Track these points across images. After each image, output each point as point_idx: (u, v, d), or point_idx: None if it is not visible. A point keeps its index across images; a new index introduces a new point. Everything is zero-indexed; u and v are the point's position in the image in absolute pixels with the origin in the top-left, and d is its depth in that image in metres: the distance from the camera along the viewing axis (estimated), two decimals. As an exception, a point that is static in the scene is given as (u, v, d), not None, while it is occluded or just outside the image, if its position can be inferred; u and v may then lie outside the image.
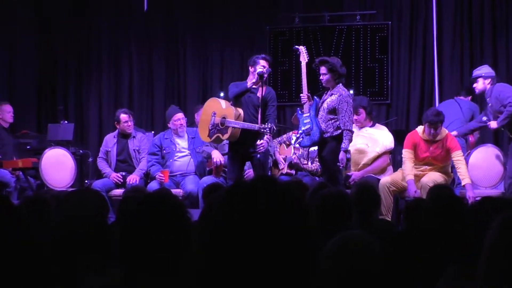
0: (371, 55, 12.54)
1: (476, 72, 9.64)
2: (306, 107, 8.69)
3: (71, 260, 3.38)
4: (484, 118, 9.57)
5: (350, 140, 8.56)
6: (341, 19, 12.88)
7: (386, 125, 10.47)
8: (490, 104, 9.44)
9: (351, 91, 12.03)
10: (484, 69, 9.64)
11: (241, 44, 13.17)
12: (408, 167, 8.99)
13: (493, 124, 9.30)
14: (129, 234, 2.66)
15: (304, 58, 8.86)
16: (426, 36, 12.35)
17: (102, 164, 10.34)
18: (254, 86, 8.76)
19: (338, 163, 8.45)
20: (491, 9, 12.07)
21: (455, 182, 9.77)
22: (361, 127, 9.48)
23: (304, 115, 8.67)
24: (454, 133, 9.50)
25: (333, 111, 8.53)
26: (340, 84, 8.67)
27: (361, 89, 12.37)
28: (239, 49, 13.13)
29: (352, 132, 8.57)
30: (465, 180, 8.84)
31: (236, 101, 8.83)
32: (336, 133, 8.50)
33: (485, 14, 12.09)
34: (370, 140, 9.38)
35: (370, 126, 9.54)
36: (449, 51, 12.23)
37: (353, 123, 8.84)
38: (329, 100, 8.58)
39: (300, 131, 8.72)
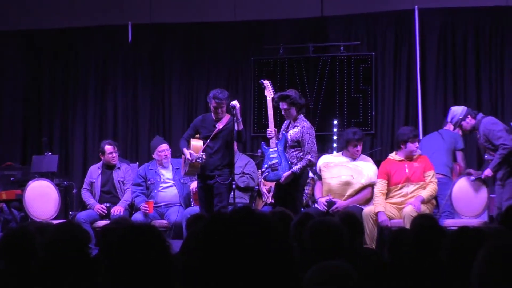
0: (355, 85, 12.58)
1: (453, 120, 9.65)
2: (272, 141, 8.81)
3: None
4: (472, 178, 9.57)
5: (303, 167, 8.72)
6: (325, 50, 12.94)
7: (371, 155, 10.50)
8: (478, 136, 9.48)
9: (335, 121, 12.12)
10: (457, 112, 9.63)
11: (226, 75, 13.21)
12: (379, 200, 9.13)
13: (487, 172, 9.32)
14: (111, 266, 2.65)
15: (269, 93, 9.01)
16: (409, 66, 12.42)
17: (86, 196, 10.31)
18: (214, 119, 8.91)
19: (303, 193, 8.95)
20: (474, 40, 12.15)
21: (440, 211, 9.80)
22: (353, 158, 9.51)
23: (271, 149, 8.82)
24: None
25: (296, 143, 8.73)
26: (302, 115, 8.85)
27: (345, 119, 12.42)
28: (224, 80, 13.17)
29: (312, 162, 8.80)
30: (421, 194, 8.99)
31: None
32: (302, 165, 8.73)
33: (468, 45, 12.17)
34: (355, 171, 9.40)
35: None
36: (432, 81, 12.30)
37: (317, 153, 9.03)
38: (292, 132, 8.79)
39: (266, 166, 8.83)
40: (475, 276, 2.38)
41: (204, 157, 8.70)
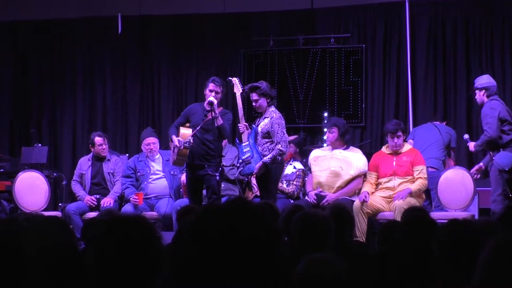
0: (346, 78, 12.57)
1: (475, 84, 9.65)
2: (244, 136, 8.94)
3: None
4: (466, 136, 9.62)
5: (274, 157, 8.72)
6: (316, 42, 12.93)
7: (360, 147, 10.52)
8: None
9: (325, 114, 12.12)
10: (479, 80, 9.62)
11: (215, 67, 13.17)
12: (366, 187, 9.26)
13: (471, 147, 9.41)
14: (98, 259, 2.64)
15: (238, 90, 9.13)
16: (400, 58, 12.41)
17: (76, 187, 10.28)
18: (208, 108, 8.82)
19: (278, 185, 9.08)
20: (464, 32, 12.15)
21: (432, 205, 9.81)
22: (333, 148, 9.52)
23: (243, 144, 8.93)
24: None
25: (267, 134, 8.82)
26: (272, 107, 8.92)
27: (335, 111, 12.39)
28: (213, 72, 13.12)
29: (283, 152, 8.78)
30: (410, 186, 9.04)
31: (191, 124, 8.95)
32: (273, 155, 8.75)
33: (458, 37, 12.17)
34: (344, 163, 9.41)
35: (344, 149, 9.57)
36: (423, 74, 12.30)
37: (288, 143, 9.05)
38: (262, 124, 8.87)
39: (240, 161, 8.96)
40: (480, 273, 2.37)
41: (192, 141, 8.67)
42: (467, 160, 11.60)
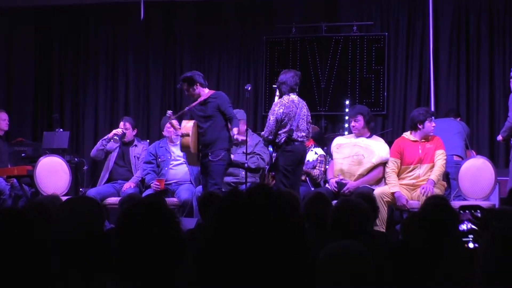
0: (368, 66, 12.55)
1: None
2: None
3: (67, 268, 3.37)
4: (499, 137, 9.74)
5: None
6: (338, 29, 12.90)
7: (382, 136, 10.48)
8: None
9: (347, 102, 12.10)
10: None
11: (238, 54, 13.19)
12: (393, 180, 9.09)
13: (499, 137, 9.49)
14: (123, 243, 2.65)
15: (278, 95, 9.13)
16: (423, 47, 12.37)
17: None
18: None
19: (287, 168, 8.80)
20: (488, 20, 12.10)
21: (452, 194, 9.78)
22: (358, 136, 9.48)
23: None
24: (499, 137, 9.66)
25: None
26: (285, 95, 8.82)
27: (357, 99, 12.38)
28: (236, 59, 13.17)
29: (263, 137, 8.89)
30: (431, 177, 8.97)
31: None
32: (279, 141, 8.75)
33: (482, 26, 12.12)
34: (366, 150, 9.38)
35: (367, 137, 9.54)
36: (445, 62, 12.25)
37: (272, 129, 8.80)
38: None
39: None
40: (480, 259, 2.38)
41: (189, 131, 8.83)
42: (488, 150, 11.56)
